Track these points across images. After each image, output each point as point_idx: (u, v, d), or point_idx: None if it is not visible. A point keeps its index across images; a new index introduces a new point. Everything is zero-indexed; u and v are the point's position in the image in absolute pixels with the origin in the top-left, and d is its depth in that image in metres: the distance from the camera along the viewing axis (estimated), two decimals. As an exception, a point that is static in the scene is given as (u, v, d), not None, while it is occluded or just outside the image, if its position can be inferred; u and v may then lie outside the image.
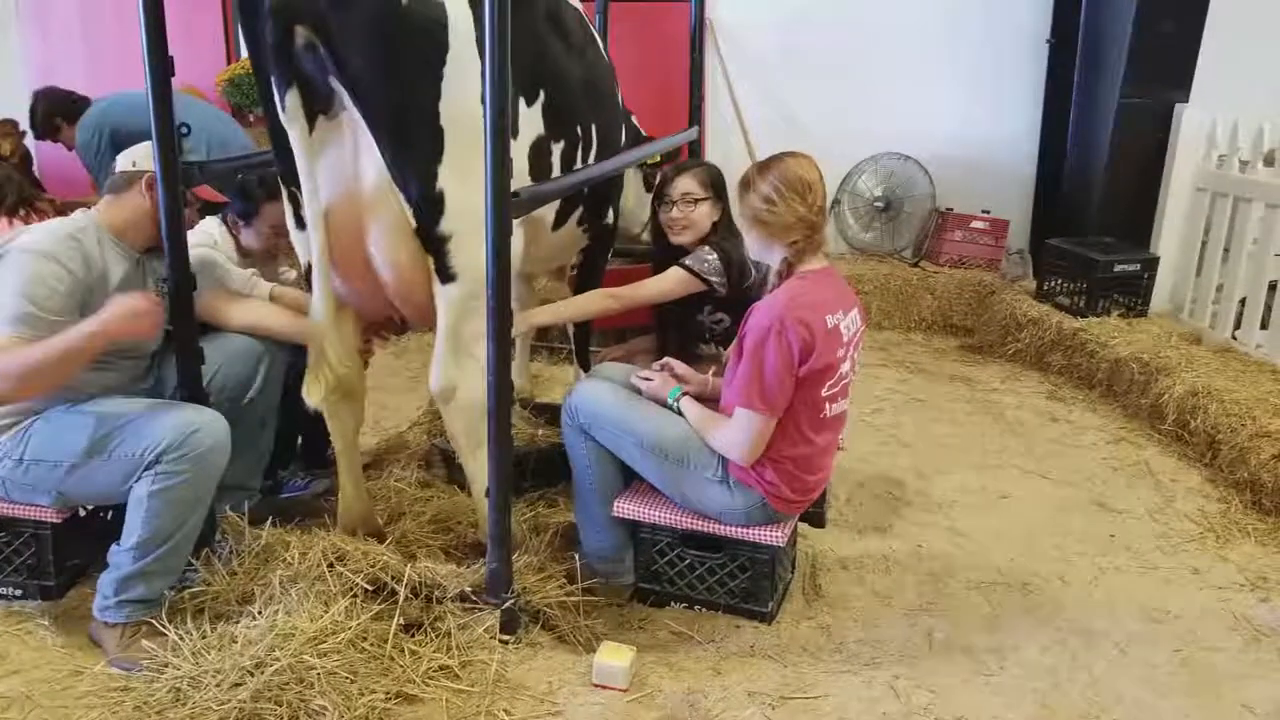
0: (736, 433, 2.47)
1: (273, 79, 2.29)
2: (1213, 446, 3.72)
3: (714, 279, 3.05)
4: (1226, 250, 4.63)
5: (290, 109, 2.30)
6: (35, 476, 2.47)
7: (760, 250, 2.59)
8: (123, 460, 2.38)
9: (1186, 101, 5.01)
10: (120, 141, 3.93)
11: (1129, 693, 2.42)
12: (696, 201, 3.12)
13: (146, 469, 2.36)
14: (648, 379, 2.72)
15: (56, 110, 4.39)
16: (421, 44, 2.33)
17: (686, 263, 3.07)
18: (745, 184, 2.55)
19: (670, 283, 3.08)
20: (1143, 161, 5.12)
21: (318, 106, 2.34)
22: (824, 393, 2.47)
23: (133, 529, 2.39)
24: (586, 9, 3.36)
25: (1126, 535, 3.25)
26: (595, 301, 3.28)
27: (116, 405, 2.48)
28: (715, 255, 3.05)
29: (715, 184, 3.16)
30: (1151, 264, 4.92)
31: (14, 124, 5.18)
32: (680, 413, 2.62)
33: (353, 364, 2.65)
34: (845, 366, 2.52)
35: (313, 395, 2.59)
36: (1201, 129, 4.87)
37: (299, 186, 2.46)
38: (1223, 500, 3.49)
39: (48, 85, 4.56)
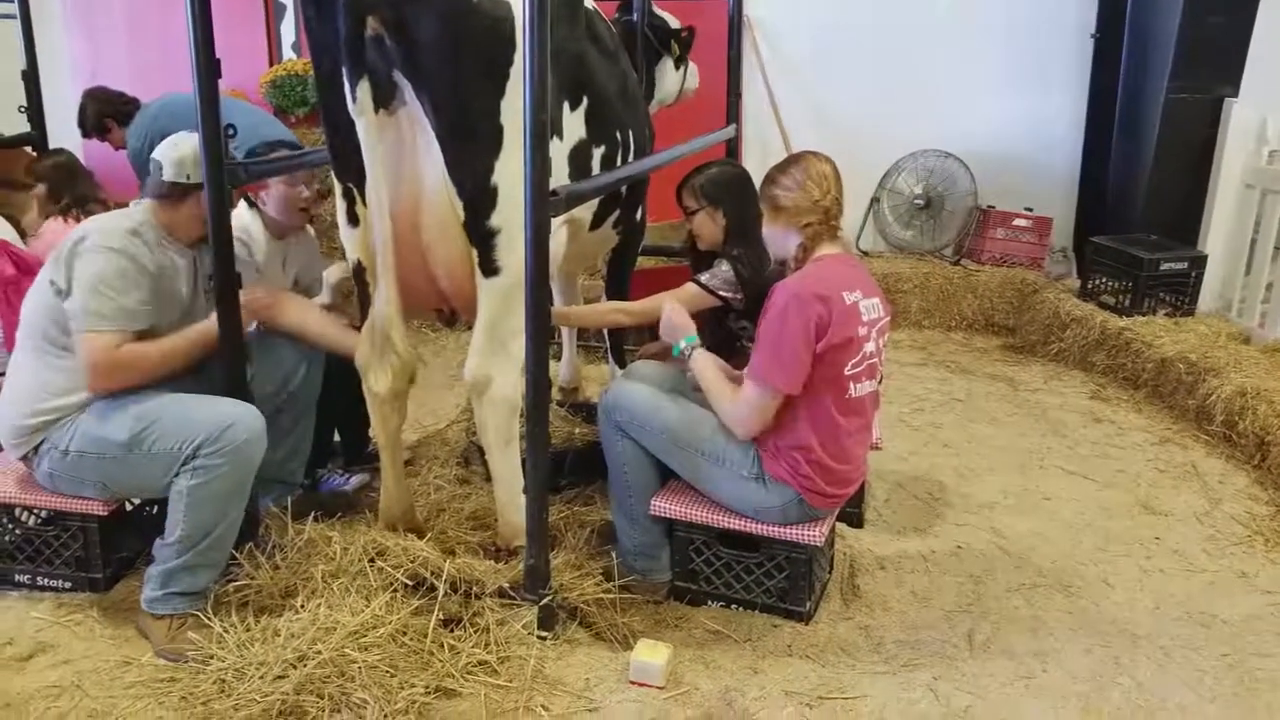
0: (741, 404, 2.50)
1: (344, 71, 2.31)
2: (1262, 448, 3.64)
3: (727, 294, 3.04)
4: (1277, 248, 4.54)
5: (361, 100, 2.33)
6: (80, 468, 2.53)
7: (778, 240, 2.64)
8: (161, 455, 2.43)
9: (1236, 96, 4.90)
10: None
11: (1174, 698, 2.38)
12: (691, 213, 3.14)
13: (184, 463, 2.41)
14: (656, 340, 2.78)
15: (107, 111, 4.47)
16: (489, 40, 2.36)
17: (701, 279, 3.07)
18: (768, 180, 2.64)
19: (683, 298, 3.08)
20: (1190, 157, 5.01)
21: (378, 101, 2.36)
22: (847, 371, 2.48)
23: (175, 523, 2.44)
24: (607, 9, 3.39)
25: (1172, 538, 3.20)
26: (606, 315, 3.32)
27: (156, 400, 2.52)
28: (729, 269, 3.04)
29: (709, 192, 3.11)
30: (1199, 262, 4.82)
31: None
32: (690, 364, 2.64)
33: (414, 353, 2.67)
34: (870, 346, 2.52)
35: (381, 383, 2.61)
36: (1251, 124, 4.77)
37: (355, 182, 2.50)
38: (1272, 503, 3.42)
39: (98, 85, 4.64)
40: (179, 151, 2.60)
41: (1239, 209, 4.86)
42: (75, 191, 3.94)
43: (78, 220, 3.71)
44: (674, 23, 4.03)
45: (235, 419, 2.44)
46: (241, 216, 3.12)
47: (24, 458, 2.62)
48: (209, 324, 2.58)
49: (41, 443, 2.56)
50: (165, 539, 2.47)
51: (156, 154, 2.63)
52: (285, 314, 2.81)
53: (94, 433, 2.50)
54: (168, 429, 2.44)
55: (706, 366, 2.63)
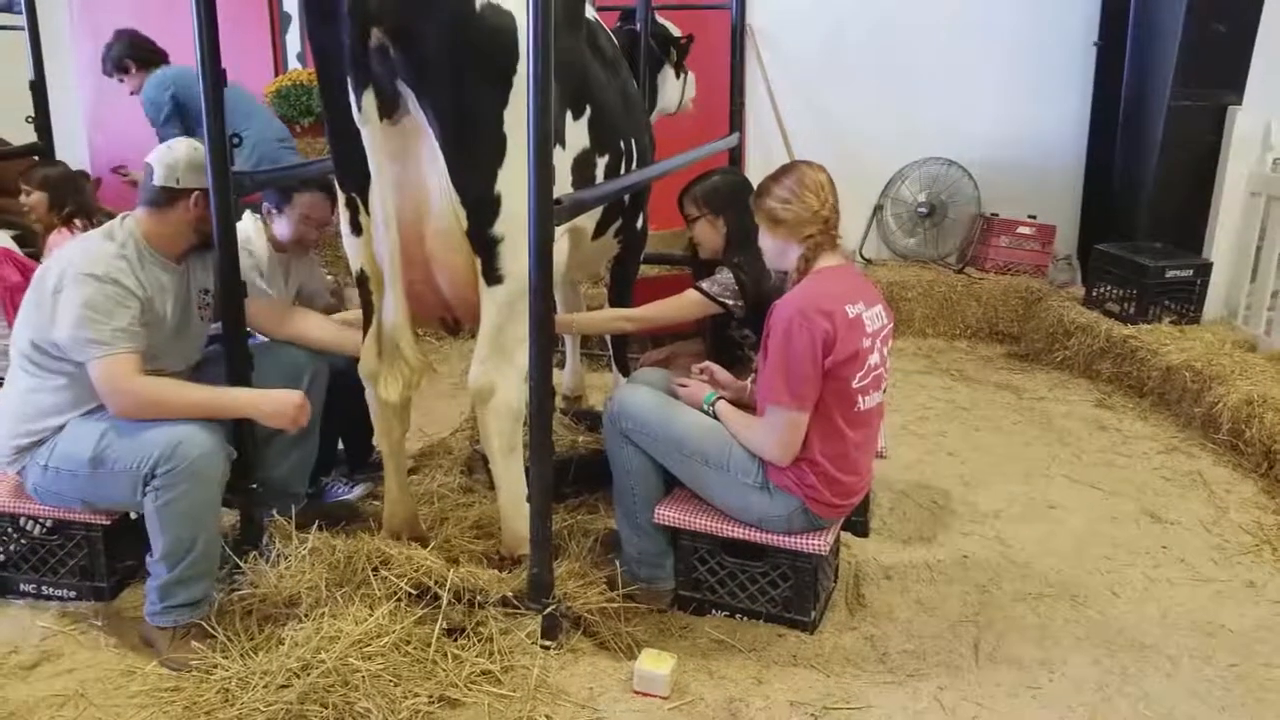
0: (767, 430, 2.48)
1: (349, 81, 2.32)
2: (1269, 456, 3.63)
3: (728, 301, 3.04)
4: (1282, 255, 4.53)
5: (366, 110, 2.33)
6: (58, 484, 2.52)
7: (777, 253, 2.62)
8: (123, 473, 2.40)
9: (1240, 103, 4.90)
10: (184, 108, 4.24)
11: (1181, 708, 2.36)
12: (692, 221, 3.16)
13: (146, 483, 2.38)
14: (684, 384, 2.74)
15: (132, 53, 4.51)
16: (492, 49, 2.37)
17: (702, 285, 3.08)
18: (762, 192, 2.61)
19: (685, 305, 3.10)
20: (1194, 165, 5.01)
21: (383, 111, 2.37)
22: (855, 384, 2.47)
23: (155, 542, 2.43)
24: (608, 18, 3.43)
25: (1179, 547, 3.18)
26: (609, 322, 3.33)
27: (116, 419, 2.46)
28: (731, 277, 3.04)
29: (710, 200, 3.12)
30: (1204, 269, 4.81)
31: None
32: (715, 416, 2.63)
33: (425, 360, 2.67)
34: (874, 358, 2.51)
35: (392, 392, 2.60)
36: (1255, 131, 4.77)
37: (358, 191, 2.50)
38: (1279, 512, 3.40)
39: (130, 29, 4.65)
40: (172, 155, 2.58)
41: (1244, 216, 4.86)
42: (78, 200, 3.93)
43: (84, 229, 3.71)
44: (675, 31, 4.05)
45: (184, 437, 2.37)
46: (246, 229, 3.13)
47: (18, 473, 2.61)
48: (236, 399, 2.55)
49: (29, 459, 2.55)
50: (151, 556, 2.46)
51: (150, 159, 2.62)
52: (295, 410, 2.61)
53: (66, 450, 2.48)
54: (125, 448, 2.40)
55: (725, 409, 2.63)
